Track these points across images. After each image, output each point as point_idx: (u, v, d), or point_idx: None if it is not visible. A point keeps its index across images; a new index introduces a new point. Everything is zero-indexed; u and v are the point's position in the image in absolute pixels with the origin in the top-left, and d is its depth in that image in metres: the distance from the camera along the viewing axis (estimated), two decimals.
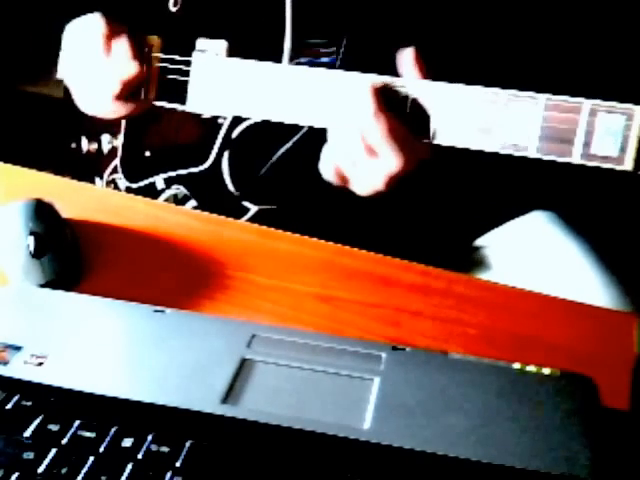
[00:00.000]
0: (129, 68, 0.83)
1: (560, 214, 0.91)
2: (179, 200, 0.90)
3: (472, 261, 0.92)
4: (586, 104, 0.62)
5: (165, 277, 0.66)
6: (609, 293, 0.81)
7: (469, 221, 0.93)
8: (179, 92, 0.85)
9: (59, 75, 0.89)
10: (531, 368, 0.52)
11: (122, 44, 0.83)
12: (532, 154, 0.65)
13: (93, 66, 0.84)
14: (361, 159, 0.70)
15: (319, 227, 0.73)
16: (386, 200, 0.89)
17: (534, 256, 0.88)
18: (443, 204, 0.91)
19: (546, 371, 0.52)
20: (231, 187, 0.85)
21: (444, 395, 0.50)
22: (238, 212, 0.85)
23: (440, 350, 0.55)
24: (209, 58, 0.82)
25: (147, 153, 0.92)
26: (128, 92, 0.84)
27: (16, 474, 0.45)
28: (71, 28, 0.87)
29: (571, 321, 0.63)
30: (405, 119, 0.69)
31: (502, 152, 0.66)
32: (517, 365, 0.53)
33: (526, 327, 0.62)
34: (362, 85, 0.69)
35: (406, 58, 0.71)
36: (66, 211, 0.68)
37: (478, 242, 0.93)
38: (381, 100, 0.68)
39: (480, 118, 0.66)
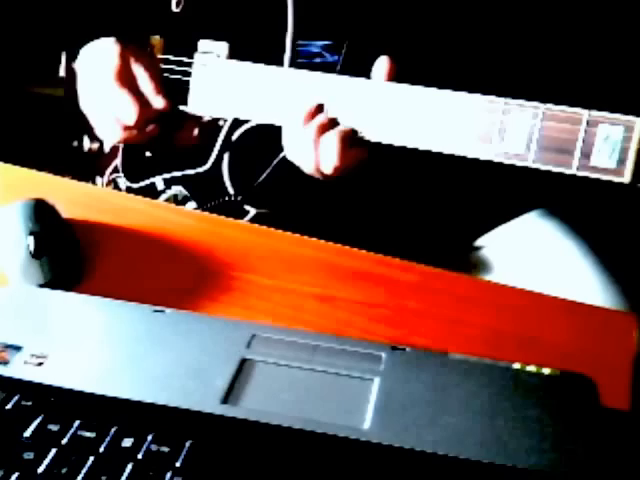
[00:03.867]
0: (156, 102, 0.83)
1: (559, 214, 0.91)
2: (179, 201, 0.90)
3: (472, 261, 0.92)
4: (585, 115, 0.62)
5: (165, 277, 0.66)
6: (608, 293, 0.81)
7: (469, 221, 0.93)
8: (180, 93, 0.85)
9: (81, 105, 0.89)
10: (531, 368, 0.52)
11: (145, 77, 0.83)
12: (530, 164, 0.65)
13: (112, 96, 0.83)
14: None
15: (318, 229, 0.73)
16: (387, 200, 0.89)
17: (533, 256, 0.88)
18: (443, 204, 0.91)
19: (546, 371, 0.52)
20: (230, 189, 0.86)
21: (444, 395, 0.50)
22: (237, 214, 0.85)
23: (440, 350, 0.55)
24: (211, 60, 0.82)
25: (148, 153, 0.92)
26: (150, 121, 0.84)
27: (16, 474, 0.45)
28: (85, 56, 0.87)
29: (571, 321, 0.63)
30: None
31: (500, 161, 0.66)
32: (517, 365, 0.53)
33: (526, 327, 0.62)
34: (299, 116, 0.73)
35: (379, 66, 0.72)
36: (66, 211, 0.68)
37: (478, 242, 0.93)
38: (345, 140, 0.72)
39: (479, 126, 0.66)
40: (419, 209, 0.90)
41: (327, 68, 0.78)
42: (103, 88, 0.84)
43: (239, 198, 0.85)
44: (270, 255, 0.69)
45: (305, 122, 0.73)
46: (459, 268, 0.87)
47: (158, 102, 0.84)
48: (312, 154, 0.73)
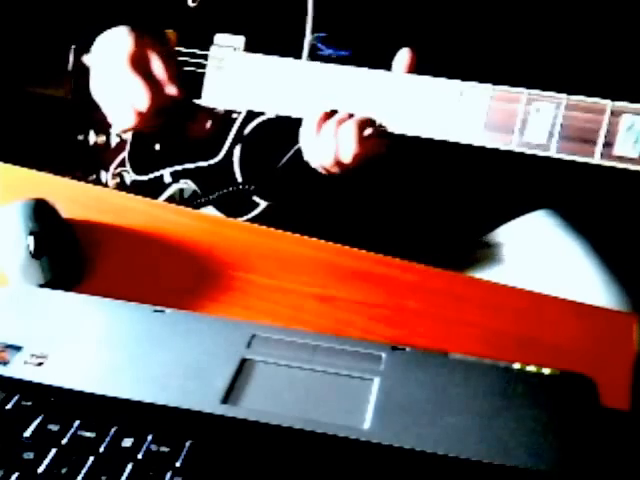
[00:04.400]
0: (169, 89, 0.84)
1: (562, 213, 0.91)
2: (185, 197, 0.90)
3: (475, 259, 0.92)
4: (609, 104, 0.61)
5: (165, 277, 0.66)
6: (610, 292, 0.81)
7: (472, 219, 0.93)
8: (194, 85, 0.85)
9: (92, 93, 0.89)
10: (531, 368, 0.52)
11: (159, 65, 0.84)
12: (553, 154, 0.64)
13: (126, 81, 0.83)
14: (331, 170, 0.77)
15: (325, 225, 0.73)
16: (390, 197, 0.89)
17: (537, 254, 0.88)
18: (447, 202, 0.91)
19: (546, 371, 0.52)
20: (241, 182, 0.85)
21: (444, 395, 0.50)
22: (247, 207, 0.85)
23: (440, 350, 0.55)
24: (226, 53, 0.82)
25: (157, 146, 0.92)
26: (164, 109, 0.85)
27: (16, 474, 0.45)
28: (99, 44, 0.87)
29: (571, 321, 0.63)
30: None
31: (523, 151, 0.66)
32: (517, 365, 0.53)
33: (526, 327, 0.62)
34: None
35: (400, 58, 0.72)
36: (66, 211, 0.68)
37: (480, 241, 0.93)
38: (362, 129, 0.73)
39: (501, 117, 0.66)
40: (423, 206, 0.90)
41: (335, 62, 0.78)
42: (117, 73, 0.84)
43: (252, 188, 0.84)
44: (270, 255, 0.69)
45: (318, 127, 0.74)
46: (462, 266, 0.87)
47: (171, 89, 0.84)
48: (332, 148, 0.74)
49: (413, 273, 0.67)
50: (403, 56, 0.72)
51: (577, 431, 0.48)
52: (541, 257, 0.88)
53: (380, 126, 0.73)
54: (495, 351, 0.58)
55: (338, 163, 0.75)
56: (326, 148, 0.75)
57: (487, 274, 0.89)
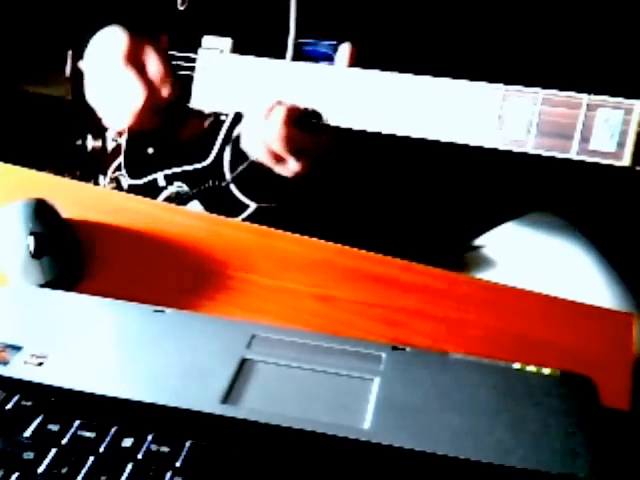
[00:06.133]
0: (164, 88, 0.84)
1: (562, 213, 0.91)
2: (183, 198, 0.90)
3: (474, 260, 0.92)
4: (584, 99, 0.61)
5: (165, 277, 0.66)
6: (612, 292, 0.80)
7: (471, 220, 0.93)
8: (184, 89, 0.85)
9: (87, 98, 0.89)
10: (531, 368, 0.52)
11: (154, 62, 0.84)
12: (530, 150, 0.64)
13: (121, 79, 0.84)
14: (268, 163, 0.77)
15: (319, 226, 0.73)
16: (388, 198, 0.89)
17: (536, 255, 0.88)
18: (444, 203, 0.91)
19: (546, 371, 0.52)
20: (232, 184, 0.85)
21: (444, 395, 0.50)
22: (237, 209, 0.85)
23: (440, 350, 0.55)
24: (214, 55, 0.82)
25: (150, 150, 0.92)
26: (158, 108, 0.85)
27: (16, 474, 0.45)
28: (93, 44, 0.87)
29: (571, 321, 0.63)
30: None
31: (499, 148, 0.66)
32: (517, 365, 0.53)
33: (526, 327, 0.62)
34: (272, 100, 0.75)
35: (341, 53, 0.74)
36: (66, 211, 0.68)
37: (480, 241, 0.93)
38: (291, 115, 0.73)
39: (477, 113, 0.66)
40: (421, 208, 0.90)
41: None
42: (112, 70, 0.84)
43: (225, 183, 0.84)
44: (270, 255, 0.69)
45: (266, 116, 0.75)
46: (460, 267, 0.87)
47: (166, 89, 0.84)
48: (263, 132, 0.75)
49: (413, 273, 0.67)
50: (344, 51, 0.73)
51: (577, 431, 0.48)
52: (542, 257, 0.88)
53: (315, 117, 0.73)
54: (495, 351, 0.58)
55: (270, 152, 0.75)
56: (258, 133, 0.76)
57: (488, 275, 0.89)
